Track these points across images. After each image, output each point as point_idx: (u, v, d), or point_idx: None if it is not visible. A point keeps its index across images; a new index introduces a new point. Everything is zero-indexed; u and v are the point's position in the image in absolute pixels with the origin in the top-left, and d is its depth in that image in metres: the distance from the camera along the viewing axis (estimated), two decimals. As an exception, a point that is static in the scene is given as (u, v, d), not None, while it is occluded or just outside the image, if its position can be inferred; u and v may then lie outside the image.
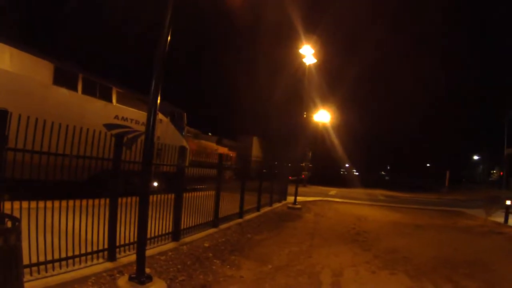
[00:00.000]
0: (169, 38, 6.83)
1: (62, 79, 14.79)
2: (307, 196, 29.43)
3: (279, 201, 23.26)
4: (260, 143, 42.23)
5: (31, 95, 13.26)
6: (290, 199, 24.49)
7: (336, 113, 40.32)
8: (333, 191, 42.08)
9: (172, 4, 6.75)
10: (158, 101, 6.96)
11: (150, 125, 6.87)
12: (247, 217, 15.82)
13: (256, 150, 39.96)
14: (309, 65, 24.56)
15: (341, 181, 60.60)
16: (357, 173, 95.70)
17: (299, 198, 23.56)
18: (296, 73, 27.45)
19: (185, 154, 10.57)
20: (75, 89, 15.34)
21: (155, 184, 15.09)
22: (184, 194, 10.48)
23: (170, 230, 9.94)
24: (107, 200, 7.57)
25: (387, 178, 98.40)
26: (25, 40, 16.29)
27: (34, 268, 6.16)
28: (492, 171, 73.36)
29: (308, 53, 23.90)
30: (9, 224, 4.32)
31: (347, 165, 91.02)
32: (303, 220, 17.59)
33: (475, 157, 76.87)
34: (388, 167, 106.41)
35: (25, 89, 13.19)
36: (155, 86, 6.82)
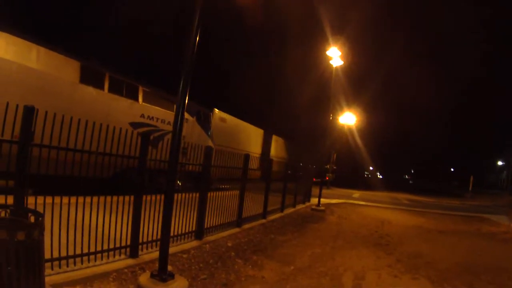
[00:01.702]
0: (197, 38, 6.79)
1: (89, 77, 14.95)
2: (331, 198, 29.31)
3: (303, 203, 23.17)
4: (281, 143, 42.01)
5: (58, 94, 13.42)
6: (314, 200, 24.49)
7: (362, 115, 40.10)
8: (356, 193, 41.83)
9: (201, 5, 6.72)
10: (186, 101, 6.93)
11: (178, 124, 6.84)
12: (271, 217, 15.76)
13: (275, 150, 39.64)
14: (336, 67, 24.44)
15: (364, 184, 60.33)
16: (380, 176, 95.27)
17: (322, 200, 23.48)
18: (323, 75, 27.33)
19: (211, 154, 10.53)
20: (101, 87, 15.48)
21: (179, 183, 15.10)
22: (209, 194, 10.47)
23: (194, 228, 9.91)
24: (131, 197, 7.58)
25: (411, 182, 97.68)
26: (51, 38, 16.35)
27: (56, 263, 6.18)
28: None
29: (335, 55, 23.78)
30: (32, 219, 4.32)
31: (371, 168, 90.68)
32: (327, 222, 17.48)
33: (500, 163, 75.91)
34: (412, 171, 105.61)
35: (52, 87, 13.33)
36: (183, 86, 6.80)
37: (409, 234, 16.50)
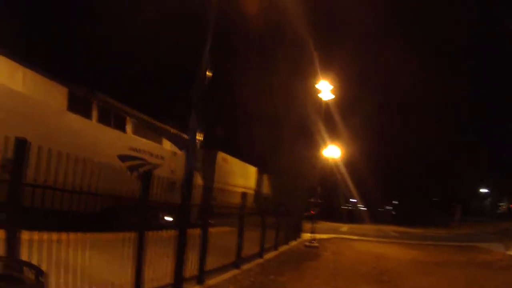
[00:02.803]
0: (208, 72, 6.56)
1: (77, 105, 14.29)
2: (319, 232, 28.91)
3: (295, 239, 22.79)
4: (268, 179, 42.10)
5: (44, 121, 12.60)
6: (305, 236, 24.19)
7: (346, 147, 39.93)
8: (344, 227, 41.58)
9: (212, 34, 6.50)
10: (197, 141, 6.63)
11: (190, 165, 6.54)
12: (267, 256, 15.33)
13: (265, 187, 39.86)
14: (326, 101, 24.43)
15: (348, 217, 60.09)
16: (363, 208, 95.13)
17: (312, 235, 23.23)
18: (309, 107, 27.26)
19: (211, 194, 10.18)
20: (89, 116, 14.85)
21: (170, 219, 14.71)
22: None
23: (196, 272, 9.39)
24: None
25: (394, 213, 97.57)
26: (39, 60, 15.58)
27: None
28: (500, 204, 72.78)
29: (325, 89, 23.73)
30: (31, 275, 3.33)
31: (353, 200, 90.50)
32: (323, 259, 17.10)
33: (482, 190, 76.31)
34: (395, 202, 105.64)
35: (38, 113, 12.53)
36: (192, 126, 6.53)
37: (407, 268, 16.26)
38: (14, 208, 4.92)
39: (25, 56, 13.62)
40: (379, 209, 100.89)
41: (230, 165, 29.89)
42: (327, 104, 25.40)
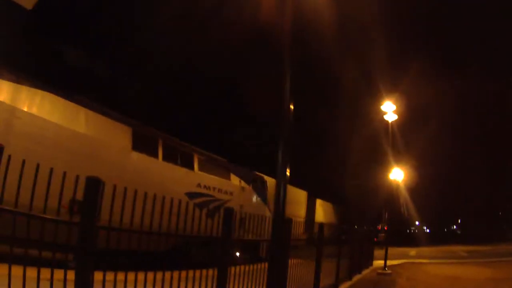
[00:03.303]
0: (291, 114, 6.77)
1: (141, 144, 14.37)
2: (389, 259, 28.60)
3: (367, 267, 22.51)
4: (328, 206, 41.73)
5: (108, 161, 12.76)
6: (376, 263, 24.01)
7: (410, 169, 39.46)
8: (412, 251, 40.84)
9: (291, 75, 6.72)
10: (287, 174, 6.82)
11: (281, 200, 6.72)
12: (342, 287, 15.28)
13: (319, 215, 39.33)
14: (392, 122, 24.36)
15: (415, 240, 58.96)
16: (428, 230, 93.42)
17: (381, 262, 22.99)
18: (372, 130, 27.30)
19: (290, 228, 10.26)
20: (155, 155, 14.91)
21: (237, 254, 14.80)
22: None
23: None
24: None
25: (458, 232, 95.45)
26: (102, 100, 15.89)
27: None
28: None
29: (390, 110, 23.68)
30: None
31: (417, 223, 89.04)
32: (400, 286, 16.94)
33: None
34: (460, 221, 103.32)
35: (102, 154, 12.68)
36: (282, 163, 6.72)
37: (486, 287, 16.02)
38: (86, 251, 4.79)
39: (86, 95, 13.89)
40: (444, 230, 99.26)
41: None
42: (392, 125, 25.21)
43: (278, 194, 6.75)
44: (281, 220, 6.70)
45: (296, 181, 32.49)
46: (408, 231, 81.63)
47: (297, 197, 34.71)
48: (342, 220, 41.64)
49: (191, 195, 15.73)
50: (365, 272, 20.75)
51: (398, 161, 32.63)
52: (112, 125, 13.65)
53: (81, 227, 4.72)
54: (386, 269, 21.29)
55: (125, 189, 5.54)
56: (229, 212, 7.61)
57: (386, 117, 24.27)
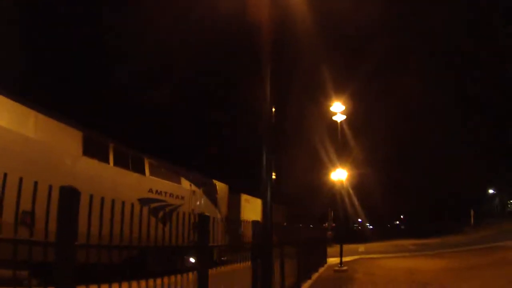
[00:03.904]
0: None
1: (92, 149, 13.75)
2: (345, 256, 28.66)
3: (322, 265, 22.39)
4: (282, 210, 41.77)
5: (58, 167, 11.94)
6: (330, 260, 24.38)
7: (353, 168, 39.69)
8: (361, 247, 41.00)
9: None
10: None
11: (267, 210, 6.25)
12: (304, 286, 14.91)
13: (280, 218, 39.50)
14: (341, 121, 24.40)
15: (360, 237, 59.48)
16: (371, 227, 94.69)
17: (334, 259, 22.96)
18: (319, 130, 27.32)
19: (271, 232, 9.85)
20: (106, 160, 14.32)
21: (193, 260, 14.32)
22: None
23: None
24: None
25: (402, 227, 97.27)
26: (52, 105, 15.12)
27: None
28: (509, 201, 72.45)
29: (339, 110, 23.66)
30: None
31: (359, 220, 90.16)
32: (360, 282, 16.66)
33: (491, 191, 75.90)
34: (402, 216, 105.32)
35: (52, 159, 11.88)
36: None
37: (444, 276, 16.08)
38: (66, 273, 4.23)
39: (34, 99, 13.10)
40: (388, 226, 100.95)
41: (252, 204, 30.17)
42: (340, 125, 25.19)
43: (265, 199, 6.33)
44: (270, 224, 6.26)
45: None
46: (353, 228, 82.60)
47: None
48: (284, 219, 41.59)
49: (143, 201, 15.04)
50: (322, 270, 20.62)
51: (342, 161, 32.65)
52: (63, 130, 12.99)
53: (58, 246, 4.12)
54: (342, 265, 21.15)
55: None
56: (204, 219, 7.20)
57: (335, 118, 24.29)
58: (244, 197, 28.06)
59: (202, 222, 6.87)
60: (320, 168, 30.99)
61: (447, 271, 17.72)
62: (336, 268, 20.86)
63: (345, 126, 27.12)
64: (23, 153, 10.92)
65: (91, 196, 4.73)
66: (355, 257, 28.88)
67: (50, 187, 4.32)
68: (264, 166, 6.32)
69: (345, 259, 25.39)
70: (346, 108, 24.38)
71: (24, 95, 12.49)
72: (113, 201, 5.17)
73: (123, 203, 5.88)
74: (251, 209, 28.98)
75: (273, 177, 6.48)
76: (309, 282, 15.88)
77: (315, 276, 17.87)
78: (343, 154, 29.98)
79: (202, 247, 6.86)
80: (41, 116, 12.10)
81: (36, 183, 4.18)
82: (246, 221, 9.07)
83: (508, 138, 62.14)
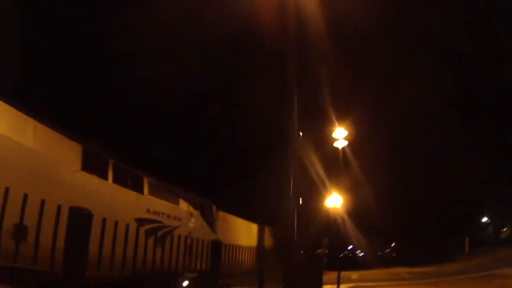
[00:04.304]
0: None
1: (92, 164, 13.07)
2: (333, 283, 28.20)
3: (320, 293, 21.99)
4: (271, 232, 41.33)
5: (56, 180, 11.16)
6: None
7: (347, 195, 39.53)
8: (354, 275, 40.55)
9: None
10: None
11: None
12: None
13: (267, 240, 38.93)
14: (343, 147, 24.33)
15: (352, 264, 59.02)
16: (361, 254, 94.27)
17: (329, 287, 22.86)
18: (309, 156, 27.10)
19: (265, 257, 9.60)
20: (105, 177, 13.77)
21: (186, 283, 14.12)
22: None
23: None
24: None
25: (394, 255, 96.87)
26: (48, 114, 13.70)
27: None
28: (502, 229, 72.34)
29: (341, 136, 23.57)
30: None
31: (350, 247, 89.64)
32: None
33: (485, 219, 75.93)
34: (393, 244, 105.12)
35: (49, 171, 11.14)
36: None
37: None
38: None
39: (33, 99, 12.39)
40: (377, 253, 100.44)
41: (231, 224, 28.40)
42: (342, 151, 25.09)
43: (291, 224, 6.19)
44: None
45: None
46: (344, 255, 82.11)
47: (249, 229, 34.59)
48: (283, 244, 41.09)
49: (140, 221, 14.42)
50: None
51: (341, 185, 32.50)
52: (62, 141, 12.40)
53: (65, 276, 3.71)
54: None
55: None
56: (217, 245, 6.96)
57: (336, 144, 24.25)
58: (221, 214, 26.40)
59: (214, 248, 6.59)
60: (314, 193, 30.58)
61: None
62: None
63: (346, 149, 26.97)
64: (19, 162, 10.13)
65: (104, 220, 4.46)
66: (350, 285, 28.55)
67: (59, 207, 4.06)
68: (291, 191, 6.18)
69: (341, 286, 25.09)
70: (348, 129, 24.35)
71: (22, 97, 11.74)
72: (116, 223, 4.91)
73: (127, 227, 5.62)
74: (230, 229, 27.67)
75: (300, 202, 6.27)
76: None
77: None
78: (342, 179, 29.66)
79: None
80: (40, 126, 11.52)
81: (26, 196, 3.95)
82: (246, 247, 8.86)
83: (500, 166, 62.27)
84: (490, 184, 60.21)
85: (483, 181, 59.99)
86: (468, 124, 57.23)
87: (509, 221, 68.30)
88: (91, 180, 13.00)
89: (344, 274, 40.50)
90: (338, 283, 21.74)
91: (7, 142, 9.99)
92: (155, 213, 15.94)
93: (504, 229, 70.97)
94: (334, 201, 38.74)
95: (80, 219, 3.74)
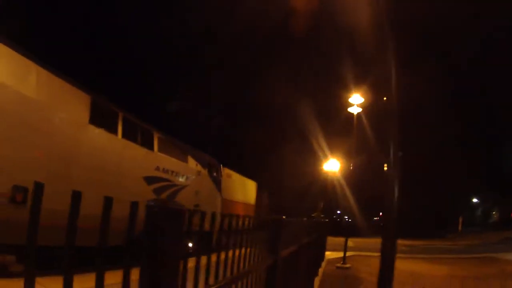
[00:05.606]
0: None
1: (100, 117, 11.97)
2: (331, 250, 28.04)
3: (323, 260, 21.70)
4: (268, 194, 41.14)
5: (61, 133, 10.19)
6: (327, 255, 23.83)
7: (347, 159, 39.31)
8: (349, 242, 40.75)
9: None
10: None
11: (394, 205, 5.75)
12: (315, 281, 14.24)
13: (265, 200, 38.78)
14: (358, 113, 23.84)
15: (343, 230, 59.04)
16: (349, 220, 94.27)
17: (329, 253, 22.70)
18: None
19: None
20: (114, 131, 12.62)
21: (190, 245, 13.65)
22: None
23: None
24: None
25: (382, 224, 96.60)
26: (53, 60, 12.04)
27: None
28: (493, 212, 72.67)
29: (356, 102, 23.09)
30: None
31: (338, 212, 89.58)
32: (367, 283, 16.05)
33: (475, 200, 76.30)
34: (381, 214, 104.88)
35: (53, 124, 10.10)
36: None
37: (455, 285, 16.16)
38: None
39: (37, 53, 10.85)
40: (364, 221, 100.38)
41: (234, 181, 27.49)
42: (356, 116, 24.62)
43: (392, 194, 5.90)
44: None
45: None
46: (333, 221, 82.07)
47: (250, 187, 34.24)
48: (280, 208, 40.99)
49: (149, 180, 13.90)
50: (324, 265, 19.91)
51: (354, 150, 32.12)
52: (69, 91, 11.15)
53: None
54: (344, 263, 20.60)
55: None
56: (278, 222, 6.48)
57: (351, 110, 23.81)
58: (226, 171, 25.56)
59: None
60: (314, 159, 30.40)
61: (453, 278, 17.36)
62: (338, 265, 20.24)
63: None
64: (20, 114, 9.20)
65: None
66: (350, 253, 28.35)
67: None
68: (391, 163, 5.82)
69: (339, 254, 24.85)
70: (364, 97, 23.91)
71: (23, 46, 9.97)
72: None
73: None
74: (234, 186, 27.07)
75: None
76: (317, 279, 15.24)
77: (320, 271, 17.23)
78: (355, 144, 29.19)
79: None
80: (44, 72, 10.24)
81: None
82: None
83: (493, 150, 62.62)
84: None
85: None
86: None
87: (497, 205, 68.84)
88: (99, 134, 12.02)
89: (336, 240, 40.67)
90: (345, 252, 21.47)
91: (4, 91, 8.91)
92: (164, 170, 15.10)
93: (494, 212, 71.45)
94: (332, 165, 38.74)
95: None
